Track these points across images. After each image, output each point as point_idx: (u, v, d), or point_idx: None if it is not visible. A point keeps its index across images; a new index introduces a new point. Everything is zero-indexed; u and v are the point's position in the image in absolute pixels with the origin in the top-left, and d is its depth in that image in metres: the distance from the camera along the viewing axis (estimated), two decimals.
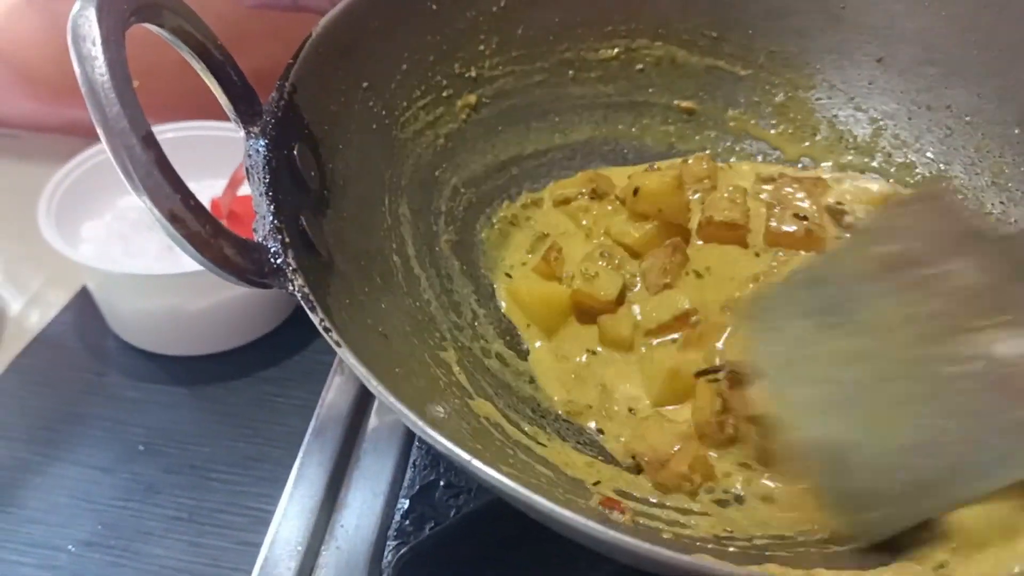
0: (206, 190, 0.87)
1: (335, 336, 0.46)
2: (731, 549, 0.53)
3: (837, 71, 0.80)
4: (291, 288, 0.48)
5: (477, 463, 0.42)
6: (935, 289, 0.56)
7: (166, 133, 0.88)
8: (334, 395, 0.74)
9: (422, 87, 0.72)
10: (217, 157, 0.87)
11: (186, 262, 0.80)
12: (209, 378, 0.84)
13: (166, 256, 0.83)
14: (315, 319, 0.47)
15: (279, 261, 0.49)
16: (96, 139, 0.84)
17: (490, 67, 0.76)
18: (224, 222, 0.85)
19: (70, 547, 0.71)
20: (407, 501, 0.66)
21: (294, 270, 0.49)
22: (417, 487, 0.67)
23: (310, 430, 0.72)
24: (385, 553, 0.64)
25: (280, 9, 0.94)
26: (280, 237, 0.50)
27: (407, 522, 0.65)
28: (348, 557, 0.64)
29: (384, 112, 0.69)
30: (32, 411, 0.81)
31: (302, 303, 0.48)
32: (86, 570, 0.69)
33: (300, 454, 0.70)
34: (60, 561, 0.70)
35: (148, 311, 0.83)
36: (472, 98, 0.76)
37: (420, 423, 0.44)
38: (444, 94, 0.74)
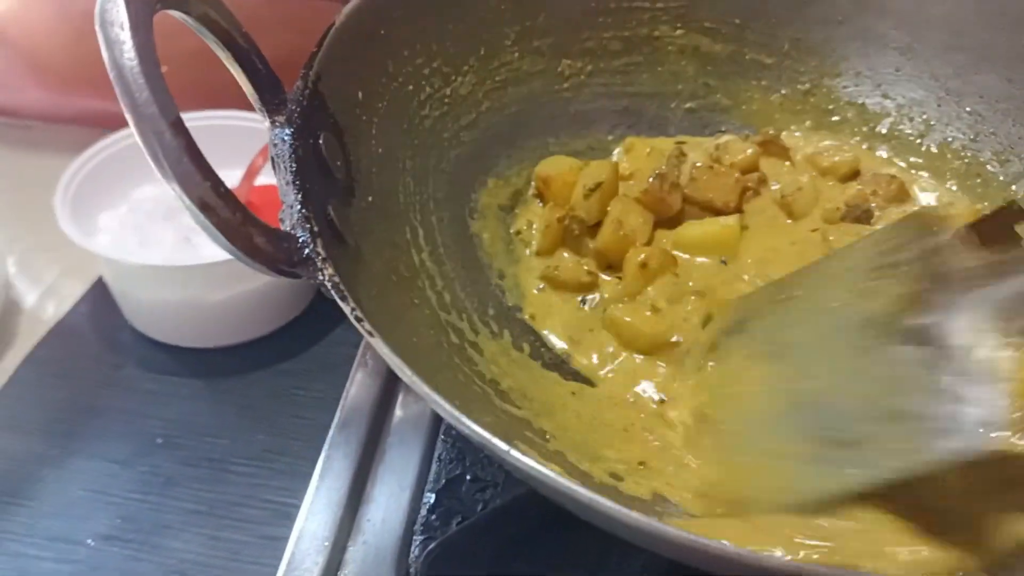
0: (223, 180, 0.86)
1: (367, 326, 0.45)
2: None
3: (863, 58, 0.79)
4: (321, 278, 0.47)
5: (516, 454, 0.41)
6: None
7: None
8: (358, 388, 0.73)
9: (444, 76, 0.71)
10: (233, 147, 0.86)
11: (203, 253, 0.81)
12: (227, 370, 0.83)
13: (183, 247, 0.82)
14: (347, 309, 0.46)
15: (308, 250, 0.48)
16: (109, 128, 0.85)
17: (513, 56, 0.75)
18: None
19: (89, 541, 0.70)
20: (433, 495, 0.65)
21: (324, 259, 0.48)
22: (443, 481, 0.66)
23: (335, 423, 0.71)
24: (412, 548, 0.63)
25: None
26: (308, 226, 0.49)
27: (433, 516, 0.64)
28: (375, 552, 0.63)
29: (407, 101, 0.68)
30: (49, 404, 0.80)
31: (333, 293, 0.47)
32: (105, 564, 0.68)
33: (325, 447, 0.69)
34: (79, 555, 0.69)
35: (165, 302, 0.82)
36: (495, 86, 0.75)
37: (456, 414, 0.43)
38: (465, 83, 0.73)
